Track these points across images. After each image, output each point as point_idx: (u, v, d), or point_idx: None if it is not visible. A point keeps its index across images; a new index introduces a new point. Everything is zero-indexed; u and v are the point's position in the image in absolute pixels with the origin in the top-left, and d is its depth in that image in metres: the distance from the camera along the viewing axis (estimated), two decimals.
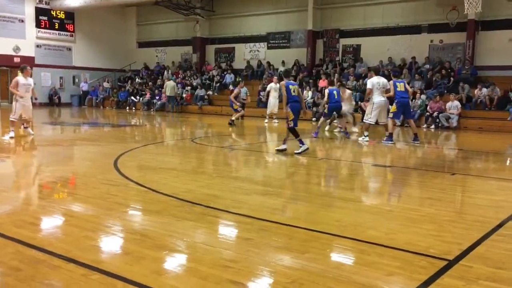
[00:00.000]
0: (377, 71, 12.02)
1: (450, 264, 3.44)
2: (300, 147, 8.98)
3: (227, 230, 4.42)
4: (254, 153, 10.02)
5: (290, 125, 8.97)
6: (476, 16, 18.54)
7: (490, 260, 3.55)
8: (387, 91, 11.30)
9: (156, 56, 30.50)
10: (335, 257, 3.69)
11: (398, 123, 14.99)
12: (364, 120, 11.93)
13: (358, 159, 9.69)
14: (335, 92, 12.52)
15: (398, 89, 11.17)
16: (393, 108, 11.35)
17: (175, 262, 3.50)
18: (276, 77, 18.18)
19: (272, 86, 17.26)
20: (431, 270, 3.31)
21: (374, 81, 11.25)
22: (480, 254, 3.69)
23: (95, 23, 29.36)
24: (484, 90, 17.72)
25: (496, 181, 7.29)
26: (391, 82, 11.36)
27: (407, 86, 11.61)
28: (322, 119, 13.38)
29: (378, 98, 11.18)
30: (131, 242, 3.89)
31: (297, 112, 8.98)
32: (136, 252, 3.59)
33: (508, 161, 9.85)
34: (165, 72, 28.09)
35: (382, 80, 11.39)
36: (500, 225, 4.47)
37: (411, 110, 12.43)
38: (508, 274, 3.31)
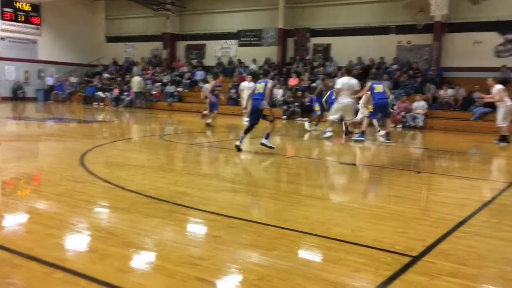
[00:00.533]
0: (348, 71, 11.99)
1: (414, 260, 3.52)
2: (240, 142, 9.06)
3: (195, 228, 4.39)
4: (224, 151, 9.99)
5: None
6: (442, 18, 19.00)
7: (453, 256, 3.64)
8: (356, 92, 11.40)
9: (125, 51, 30.01)
10: (303, 254, 3.71)
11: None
12: (328, 118, 12.04)
13: (327, 157, 9.78)
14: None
15: (376, 91, 11.37)
16: (370, 108, 11.60)
17: (141, 260, 3.45)
18: (250, 77, 17.96)
19: (246, 85, 16.82)
20: (396, 266, 3.37)
21: (344, 81, 11.35)
22: (443, 250, 3.78)
23: (62, 17, 28.62)
24: (449, 90, 18.20)
25: (459, 179, 7.49)
26: (369, 84, 11.54)
27: (386, 88, 11.76)
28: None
29: (344, 99, 11.29)
30: (97, 239, 3.82)
31: (252, 110, 9.04)
32: (101, 250, 3.52)
33: (471, 160, 10.13)
34: (134, 68, 27.71)
35: (353, 81, 11.43)
36: (462, 222, 4.59)
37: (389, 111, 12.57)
38: (470, 270, 3.39)
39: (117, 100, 25.51)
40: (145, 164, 7.62)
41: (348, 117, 11.64)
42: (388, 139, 11.37)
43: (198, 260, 3.39)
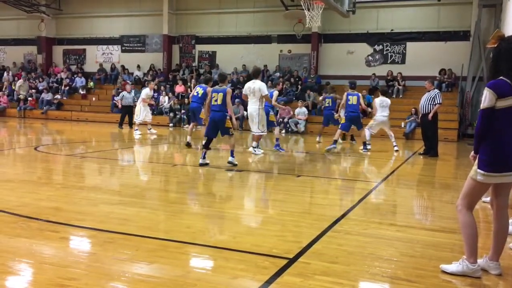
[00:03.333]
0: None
1: (290, 262, 3.64)
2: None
3: (68, 246, 4.10)
4: (106, 161, 9.54)
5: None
6: (318, 29, 20.19)
7: (325, 255, 3.84)
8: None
9: None
10: (182, 265, 3.65)
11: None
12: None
13: (212, 165, 9.80)
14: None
15: (350, 102, 11.63)
16: (342, 119, 12.00)
17: (3, 286, 3.13)
18: (152, 84, 17.02)
19: (147, 93, 15.79)
20: (273, 270, 3.46)
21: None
22: (317, 250, 3.97)
23: None
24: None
25: (335, 181, 7.97)
26: (345, 94, 11.82)
27: (361, 100, 11.86)
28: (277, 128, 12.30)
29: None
30: None
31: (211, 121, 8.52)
32: None
33: (347, 163, 10.84)
34: (5, 74, 25.48)
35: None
36: (335, 222, 4.87)
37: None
38: (340, 267, 3.60)
39: None
40: (13, 179, 6.96)
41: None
42: (365, 147, 11.83)
43: (69, 281, 3.18)
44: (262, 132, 10.45)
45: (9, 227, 4.38)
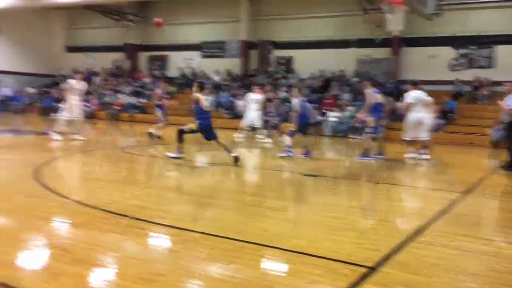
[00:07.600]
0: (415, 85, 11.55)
1: (370, 271, 3.57)
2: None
3: (153, 242, 4.32)
4: (186, 162, 9.89)
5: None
6: (400, 33, 19.57)
7: (408, 266, 3.73)
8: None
9: (85, 62, 29.45)
10: (260, 267, 3.71)
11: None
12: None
13: (288, 169, 9.84)
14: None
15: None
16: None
17: (96, 277, 3.36)
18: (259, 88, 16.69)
19: (252, 97, 15.51)
20: (352, 278, 3.42)
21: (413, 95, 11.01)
22: (398, 260, 3.86)
23: (19, 26, 27.78)
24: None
25: (415, 189, 7.69)
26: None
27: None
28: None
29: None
30: (49, 257, 3.70)
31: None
32: (53, 268, 3.42)
33: (426, 171, 10.41)
34: (92, 77, 27.32)
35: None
36: (417, 232, 4.70)
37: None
38: (423, 279, 3.48)
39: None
40: (103, 178, 7.45)
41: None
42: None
43: (156, 276, 3.34)
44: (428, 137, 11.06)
45: (101, 222, 4.68)
